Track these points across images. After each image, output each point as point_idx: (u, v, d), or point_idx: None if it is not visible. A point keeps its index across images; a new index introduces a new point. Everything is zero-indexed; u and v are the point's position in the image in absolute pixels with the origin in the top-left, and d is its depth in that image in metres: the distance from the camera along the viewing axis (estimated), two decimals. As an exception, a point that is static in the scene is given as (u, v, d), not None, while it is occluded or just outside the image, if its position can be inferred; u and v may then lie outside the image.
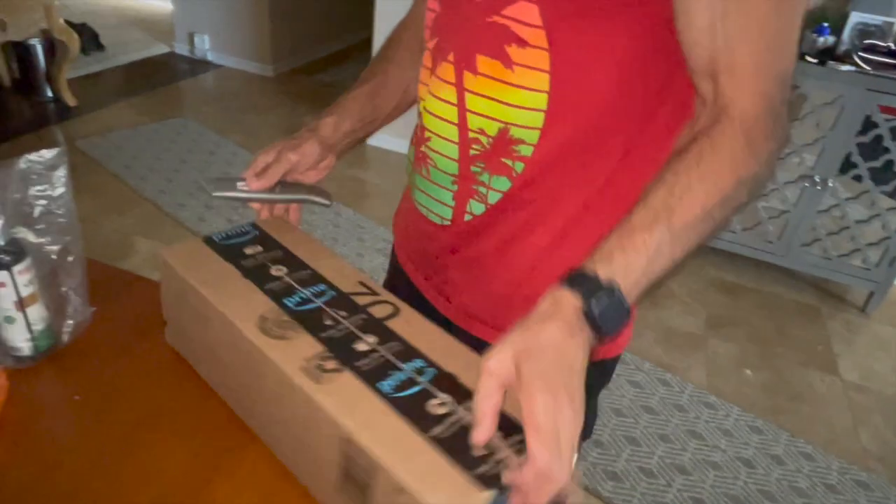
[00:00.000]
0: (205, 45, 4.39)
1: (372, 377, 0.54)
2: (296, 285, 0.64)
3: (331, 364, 0.55)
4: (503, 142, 0.64)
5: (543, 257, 0.70)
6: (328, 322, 0.59)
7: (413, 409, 0.51)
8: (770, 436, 1.90)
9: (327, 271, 0.67)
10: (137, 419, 0.64)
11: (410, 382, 0.54)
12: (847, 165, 2.35)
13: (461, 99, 0.65)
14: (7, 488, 0.57)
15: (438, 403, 0.52)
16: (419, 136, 0.73)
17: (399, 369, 0.55)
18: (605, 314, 0.48)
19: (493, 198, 0.68)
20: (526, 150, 0.64)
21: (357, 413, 0.51)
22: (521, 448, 0.48)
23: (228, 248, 0.68)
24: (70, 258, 0.69)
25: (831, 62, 2.24)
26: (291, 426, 0.57)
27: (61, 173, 0.66)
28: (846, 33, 2.29)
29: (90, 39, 4.20)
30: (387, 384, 0.54)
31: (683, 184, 0.53)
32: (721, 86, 0.55)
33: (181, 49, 4.50)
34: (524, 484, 0.44)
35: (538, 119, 0.62)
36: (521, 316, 0.78)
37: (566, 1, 0.57)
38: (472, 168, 0.68)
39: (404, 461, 0.47)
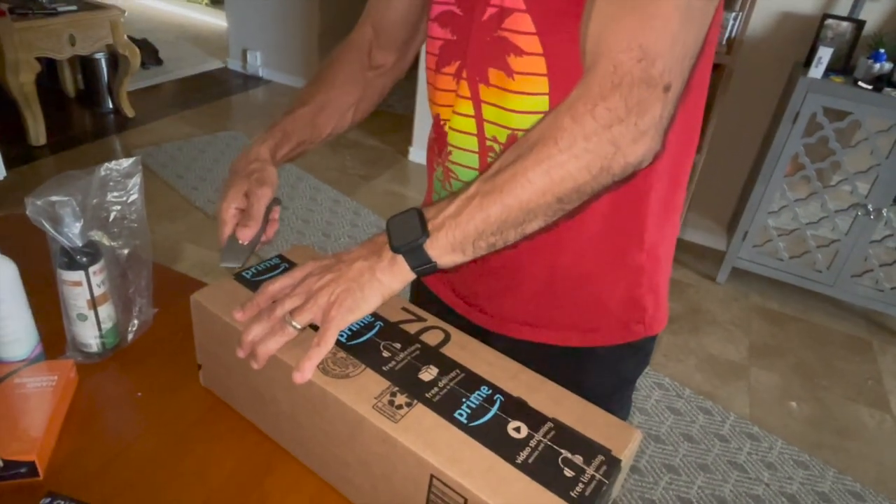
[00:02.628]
0: (257, 62, 4.54)
1: (445, 408, 0.53)
2: None
3: (401, 399, 0.54)
4: None
5: (566, 250, 0.71)
6: (385, 354, 0.58)
7: (494, 437, 0.51)
8: (816, 471, 1.83)
9: None
10: (194, 418, 0.67)
11: (482, 410, 0.53)
12: (902, 195, 2.27)
13: (478, 110, 0.69)
14: (74, 473, 0.60)
15: (514, 429, 0.52)
16: (443, 154, 0.76)
17: (468, 398, 0.55)
18: (395, 224, 0.56)
19: None
20: None
21: (441, 447, 0.50)
22: (606, 472, 0.49)
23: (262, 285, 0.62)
24: (139, 261, 0.73)
25: (888, 88, 2.19)
26: (366, 465, 0.55)
27: (136, 181, 0.69)
28: (903, 60, 2.23)
29: (150, 54, 4.40)
30: (462, 414, 0.53)
31: (509, 151, 0.56)
32: (588, 52, 0.55)
33: (234, 65, 4.67)
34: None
35: None
36: (555, 309, 0.78)
37: (552, 4, 0.60)
38: None
39: (499, 491, 0.47)
